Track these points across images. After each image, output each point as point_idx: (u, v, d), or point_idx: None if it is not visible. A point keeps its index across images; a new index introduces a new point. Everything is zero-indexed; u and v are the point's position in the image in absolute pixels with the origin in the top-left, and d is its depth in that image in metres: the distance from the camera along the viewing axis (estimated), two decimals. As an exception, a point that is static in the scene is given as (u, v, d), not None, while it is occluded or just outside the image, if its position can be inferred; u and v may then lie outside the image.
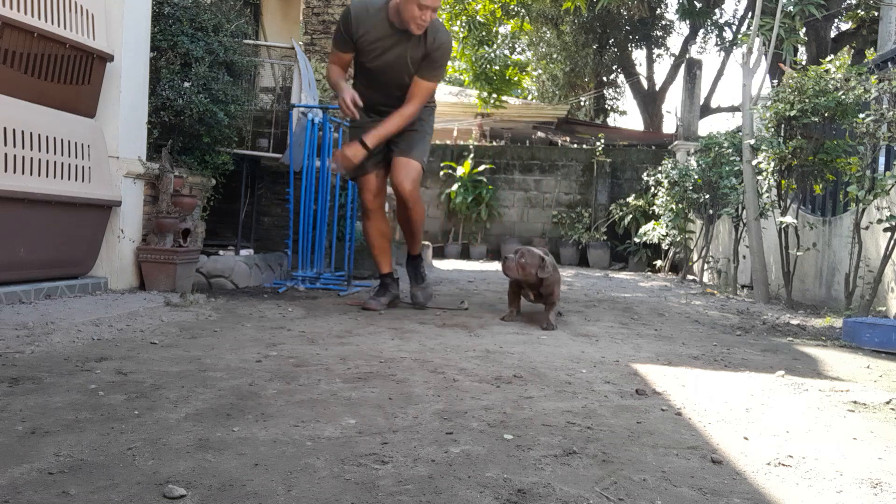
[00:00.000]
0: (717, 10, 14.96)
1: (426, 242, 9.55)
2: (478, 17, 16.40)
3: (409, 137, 3.74)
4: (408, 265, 4.18)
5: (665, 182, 8.23)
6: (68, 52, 3.49)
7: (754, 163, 5.51)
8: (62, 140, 3.46)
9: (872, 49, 5.25)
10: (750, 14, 11.87)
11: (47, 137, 3.37)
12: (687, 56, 15.45)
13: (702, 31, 16.18)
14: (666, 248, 9.47)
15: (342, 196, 5.56)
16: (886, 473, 1.50)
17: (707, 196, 7.27)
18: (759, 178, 5.54)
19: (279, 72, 5.59)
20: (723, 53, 15.61)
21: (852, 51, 11.42)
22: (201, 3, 4.63)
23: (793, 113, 4.86)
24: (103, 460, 1.35)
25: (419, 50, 3.56)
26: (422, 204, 3.98)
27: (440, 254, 11.35)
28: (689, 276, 8.53)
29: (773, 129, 5.27)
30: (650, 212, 10.12)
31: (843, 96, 4.65)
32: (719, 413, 1.95)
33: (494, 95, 14.09)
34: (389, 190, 4.01)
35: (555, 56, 17.81)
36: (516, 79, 16.14)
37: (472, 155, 11.90)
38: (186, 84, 4.26)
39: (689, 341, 3.27)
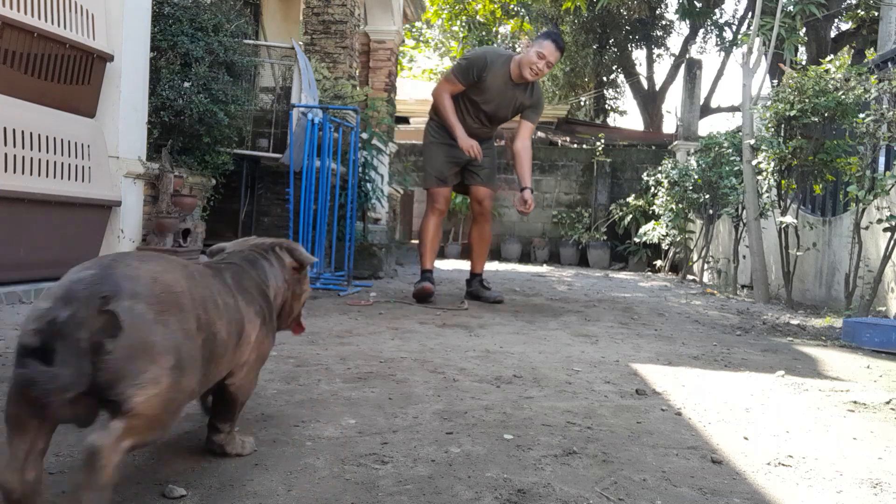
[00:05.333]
0: (717, 10, 14.95)
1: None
2: (478, 17, 16.41)
3: (488, 168, 4.45)
4: (471, 282, 4.61)
5: (665, 182, 8.24)
6: (68, 52, 3.49)
7: (754, 163, 5.51)
8: (62, 140, 3.46)
9: (872, 49, 5.25)
10: (750, 14, 11.86)
11: (47, 137, 3.37)
12: (687, 56, 15.44)
13: (702, 31, 16.17)
14: (666, 248, 9.47)
15: (342, 196, 5.56)
16: (886, 473, 1.50)
17: (707, 196, 7.27)
18: (759, 178, 5.54)
19: (279, 72, 5.59)
20: (723, 53, 15.60)
21: (852, 51, 11.42)
22: (201, 3, 4.63)
23: (793, 113, 4.86)
24: (103, 460, 1.35)
25: (522, 98, 4.28)
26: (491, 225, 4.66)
27: (440, 254, 11.35)
28: (689, 276, 8.53)
29: (773, 129, 5.27)
30: (650, 212, 10.12)
31: (843, 96, 4.65)
32: (719, 413, 1.95)
33: (494, 95, 14.09)
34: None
35: (555, 56, 17.78)
36: (516, 79, 16.11)
37: (472, 155, 11.88)
38: (186, 84, 4.26)
39: (689, 341, 3.27)
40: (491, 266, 9.36)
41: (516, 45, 19.63)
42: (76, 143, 3.55)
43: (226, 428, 1.37)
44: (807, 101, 4.79)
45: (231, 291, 1.29)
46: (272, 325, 1.43)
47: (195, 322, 1.10)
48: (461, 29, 17.27)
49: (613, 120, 20.53)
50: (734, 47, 13.58)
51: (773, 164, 5.22)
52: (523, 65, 4.09)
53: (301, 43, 6.37)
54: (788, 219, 5.14)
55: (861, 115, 4.42)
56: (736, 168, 6.58)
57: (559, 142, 13.35)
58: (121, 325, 0.98)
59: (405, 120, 11.85)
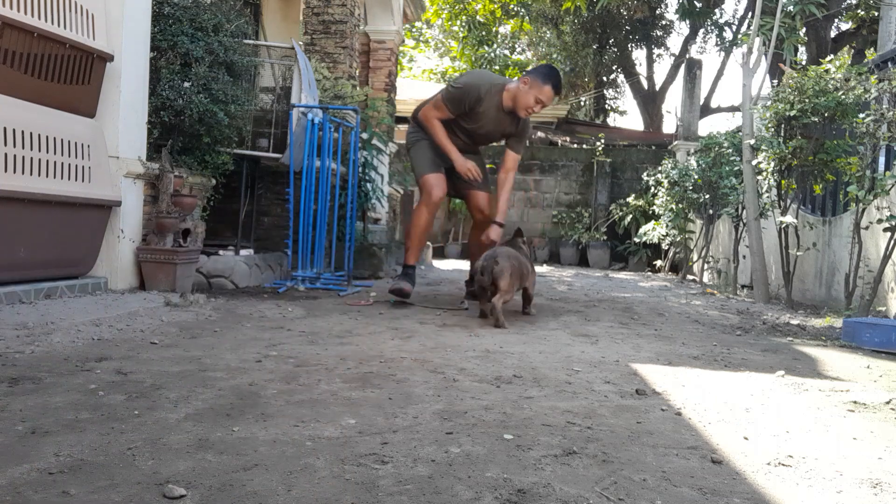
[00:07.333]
0: (717, 10, 14.95)
1: (427, 242, 9.56)
2: (478, 17, 16.41)
3: (482, 175, 4.48)
4: (471, 283, 4.57)
5: (665, 182, 8.23)
6: (68, 52, 3.49)
7: (754, 163, 5.51)
8: (62, 140, 3.46)
9: (872, 49, 5.25)
10: (750, 14, 11.86)
11: (47, 137, 3.37)
12: (687, 56, 15.43)
13: (702, 31, 16.16)
14: (666, 248, 9.47)
15: (342, 196, 5.56)
16: (886, 473, 1.50)
17: (707, 196, 7.27)
18: (759, 178, 5.54)
19: (279, 72, 5.58)
20: (723, 53, 15.58)
21: (852, 51, 11.42)
22: (201, 3, 4.62)
23: (793, 113, 4.86)
24: (103, 460, 1.35)
25: (510, 128, 4.27)
26: None
27: (440, 254, 11.35)
28: (689, 276, 8.53)
29: (773, 129, 5.27)
30: (650, 212, 10.11)
31: (843, 96, 4.65)
32: (719, 413, 1.95)
33: (494, 95, 14.06)
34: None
35: (555, 56, 17.80)
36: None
37: (472, 155, 11.88)
38: (186, 84, 4.26)
39: (689, 341, 3.27)
40: (491, 266, 9.34)
41: (517, 45, 19.64)
42: (76, 143, 3.55)
43: (530, 310, 4.04)
44: (807, 101, 4.78)
45: (525, 256, 3.95)
46: (534, 268, 4.02)
47: (517, 264, 3.63)
48: (461, 29, 17.26)
49: (613, 120, 20.53)
50: (734, 47, 13.57)
51: (773, 164, 5.22)
52: (519, 104, 4.05)
53: (301, 43, 6.37)
54: (788, 219, 5.14)
55: (861, 115, 4.42)
56: (736, 168, 6.58)
57: (559, 142, 13.34)
58: (499, 262, 3.50)
59: (405, 120, 11.84)
